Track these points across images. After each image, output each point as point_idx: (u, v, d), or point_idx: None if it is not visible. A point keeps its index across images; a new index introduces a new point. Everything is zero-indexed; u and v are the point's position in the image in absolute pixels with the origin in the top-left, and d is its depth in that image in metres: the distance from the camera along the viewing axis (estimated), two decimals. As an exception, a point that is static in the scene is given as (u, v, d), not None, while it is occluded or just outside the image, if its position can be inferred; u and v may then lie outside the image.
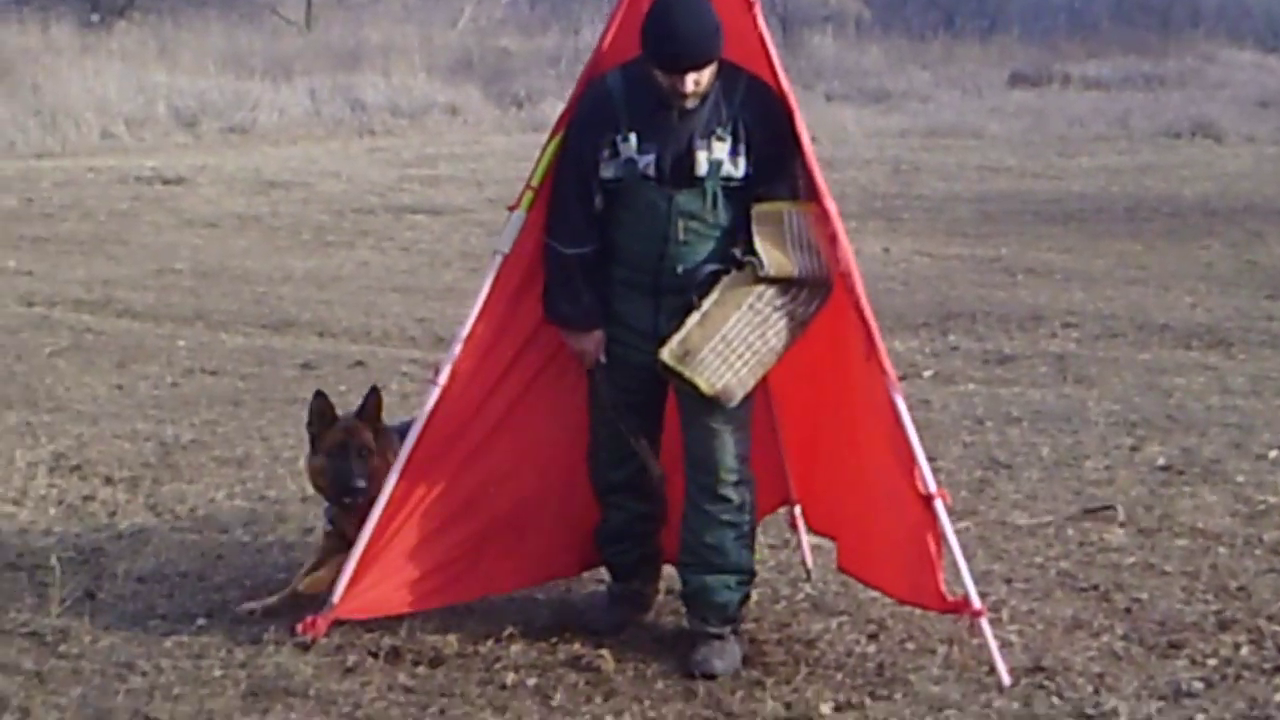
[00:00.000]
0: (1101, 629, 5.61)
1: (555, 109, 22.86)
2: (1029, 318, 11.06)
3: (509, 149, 21.30)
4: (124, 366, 9.94)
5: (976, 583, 5.17)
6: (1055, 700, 5.03)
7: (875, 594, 5.71)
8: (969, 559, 5.24)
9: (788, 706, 5.02)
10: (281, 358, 10.19)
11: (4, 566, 6.27)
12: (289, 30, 32.80)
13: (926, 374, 9.56)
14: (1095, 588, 6.01)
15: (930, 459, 5.20)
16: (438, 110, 25.54)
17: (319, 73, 26.76)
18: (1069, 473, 7.48)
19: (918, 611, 5.55)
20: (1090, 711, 4.94)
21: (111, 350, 10.39)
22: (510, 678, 5.22)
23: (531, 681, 5.21)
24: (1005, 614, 5.71)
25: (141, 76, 25.04)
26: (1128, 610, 5.79)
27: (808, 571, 6.09)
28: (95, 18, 31.62)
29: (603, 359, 5.36)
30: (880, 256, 13.46)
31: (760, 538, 5.55)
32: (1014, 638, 5.51)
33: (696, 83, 5.07)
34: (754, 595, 5.62)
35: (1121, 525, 6.69)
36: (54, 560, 6.10)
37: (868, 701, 5.03)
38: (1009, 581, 6.08)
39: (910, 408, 5.19)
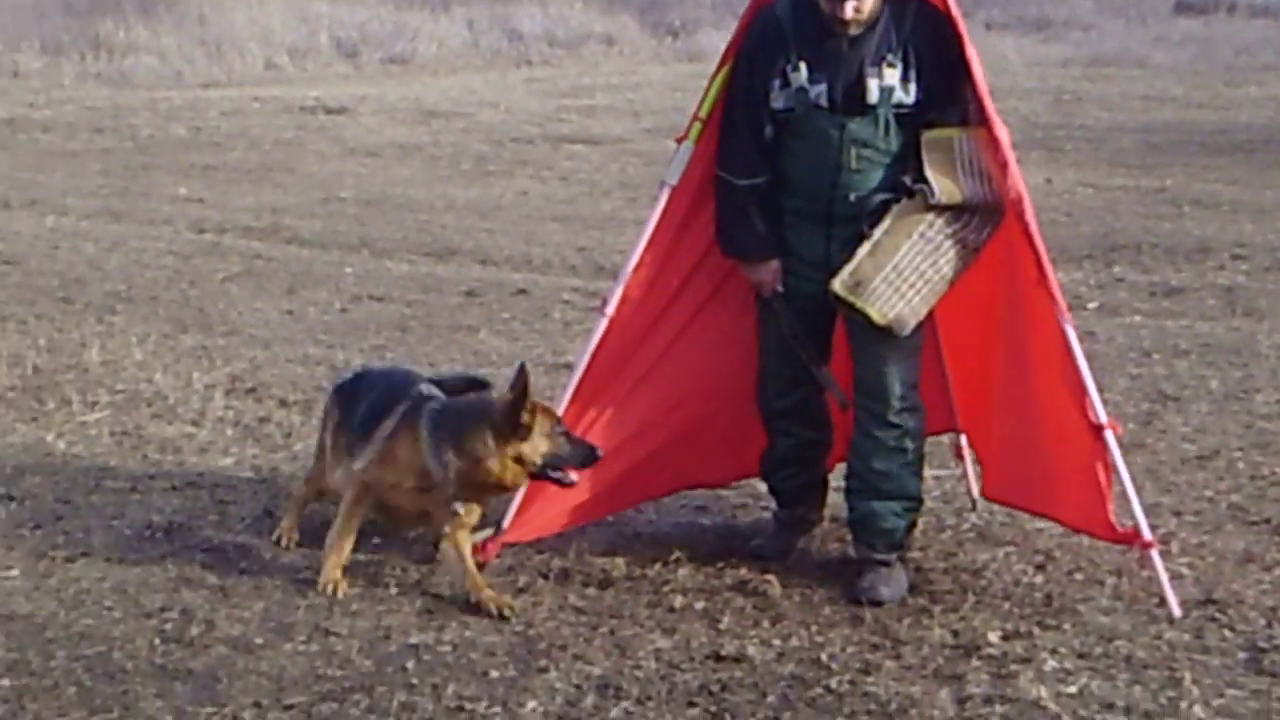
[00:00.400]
0: (1274, 563, 5.56)
1: (710, 39, 22.75)
2: (1196, 249, 10.87)
3: (665, 79, 21.30)
4: (293, 292, 10.16)
5: (1146, 515, 5.13)
6: (1227, 633, 5.00)
7: (1042, 524, 5.71)
8: (1138, 491, 5.19)
9: (955, 634, 5.03)
10: (446, 285, 10.34)
11: (185, 485, 6.47)
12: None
13: (1091, 306, 9.44)
14: (1267, 521, 5.95)
15: (1097, 391, 5.16)
16: (594, 40, 25.59)
17: (476, 3, 26.89)
18: (1239, 406, 7.38)
19: (1085, 542, 5.54)
20: (1263, 644, 4.90)
21: (281, 276, 10.62)
22: (678, 600, 5.30)
23: (699, 605, 5.28)
24: (1175, 546, 5.68)
25: (303, 7, 25.41)
26: (1300, 545, 5.74)
27: (973, 501, 6.09)
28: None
29: (780, 288, 5.36)
30: (1043, 187, 13.26)
31: (925, 467, 5.55)
32: (1184, 570, 5.47)
33: (856, 10, 5.05)
34: (919, 524, 5.64)
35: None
36: (234, 479, 6.27)
37: (1036, 631, 5.03)
38: (1178, 514, 6.03)
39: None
